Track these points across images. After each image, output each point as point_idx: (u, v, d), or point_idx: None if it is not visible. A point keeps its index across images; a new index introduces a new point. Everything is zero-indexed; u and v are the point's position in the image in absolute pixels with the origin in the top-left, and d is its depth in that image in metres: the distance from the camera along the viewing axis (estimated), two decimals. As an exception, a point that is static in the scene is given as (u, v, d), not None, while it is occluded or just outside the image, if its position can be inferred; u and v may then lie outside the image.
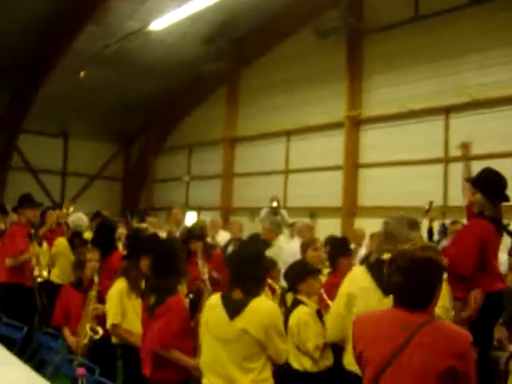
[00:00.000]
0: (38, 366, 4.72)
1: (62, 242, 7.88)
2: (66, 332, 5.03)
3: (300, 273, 4.64)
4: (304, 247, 5.69)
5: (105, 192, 19.98)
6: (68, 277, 7.03)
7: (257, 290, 3.60)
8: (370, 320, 2.70)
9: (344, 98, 13.64)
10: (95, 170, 20.12)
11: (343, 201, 13.51)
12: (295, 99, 14.92)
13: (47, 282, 7.59)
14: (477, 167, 11.03)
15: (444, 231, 7.87)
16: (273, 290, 5.35)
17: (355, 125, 13.56)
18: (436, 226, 8.86)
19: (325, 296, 4.72)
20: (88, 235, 9.00)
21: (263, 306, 3.51)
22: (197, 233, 6.87)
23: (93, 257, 5.29)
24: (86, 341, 4.73)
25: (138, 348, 4.22)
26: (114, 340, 4.77)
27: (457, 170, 11.57)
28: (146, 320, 4.05)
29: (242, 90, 16.95)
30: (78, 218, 8.07)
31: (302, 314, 4.40)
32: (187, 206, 17.62)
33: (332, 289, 4.90)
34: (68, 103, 16.85)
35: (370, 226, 11.26)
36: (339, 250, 5.63)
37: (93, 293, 4.95)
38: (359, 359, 2.63)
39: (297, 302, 4.53)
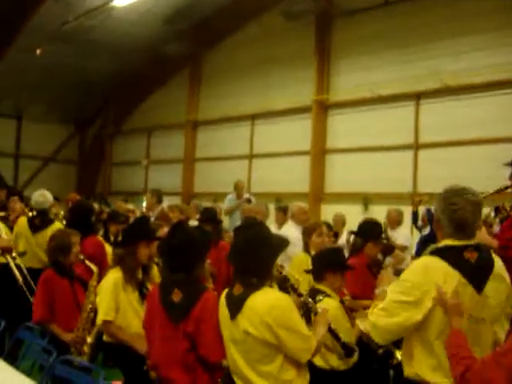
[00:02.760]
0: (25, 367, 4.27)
1: (22, 222, 6.97)
2: (57, 329, 4.49)
3: (335, 263, 4.28)
4: (308, 232, 5.30)
5: (59, 175, 19.11)
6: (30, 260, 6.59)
7: (259, 281, 3.10)
8: None
9: (312, 81, 13.38)
10: (49, 153, 19.29)
11: (310, 186, 13.34)
12: (261, 82, 14.58)
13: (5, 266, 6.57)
14: (445, 153, 11.16)
15: (430, 218, 7.70)
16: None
17: (323, 109, 13.35)
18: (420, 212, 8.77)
19: (345, 291, 4.40)
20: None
21: (262, 301, 3.02)
22: (211, 215, 6.28)
23: (77, 241, 4.81)
24: (90, 340, 4.26)
25: (135, 348, 3.86)
26: (105, 338, 4.27)
27: (427, 157, 11.62)
28: (163, 319, 3.45)
29: (206, 72, 16.49)
30: (41, 194, 6.92)
31: (332, 308, 3.91)
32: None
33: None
34: (23, 83, 15.98)
35: (337, 212, 11.14)
36: (368, 234, 5.15)
37: (93, 282, 4.46)
38: None
39: (316, 291, 4.15)
